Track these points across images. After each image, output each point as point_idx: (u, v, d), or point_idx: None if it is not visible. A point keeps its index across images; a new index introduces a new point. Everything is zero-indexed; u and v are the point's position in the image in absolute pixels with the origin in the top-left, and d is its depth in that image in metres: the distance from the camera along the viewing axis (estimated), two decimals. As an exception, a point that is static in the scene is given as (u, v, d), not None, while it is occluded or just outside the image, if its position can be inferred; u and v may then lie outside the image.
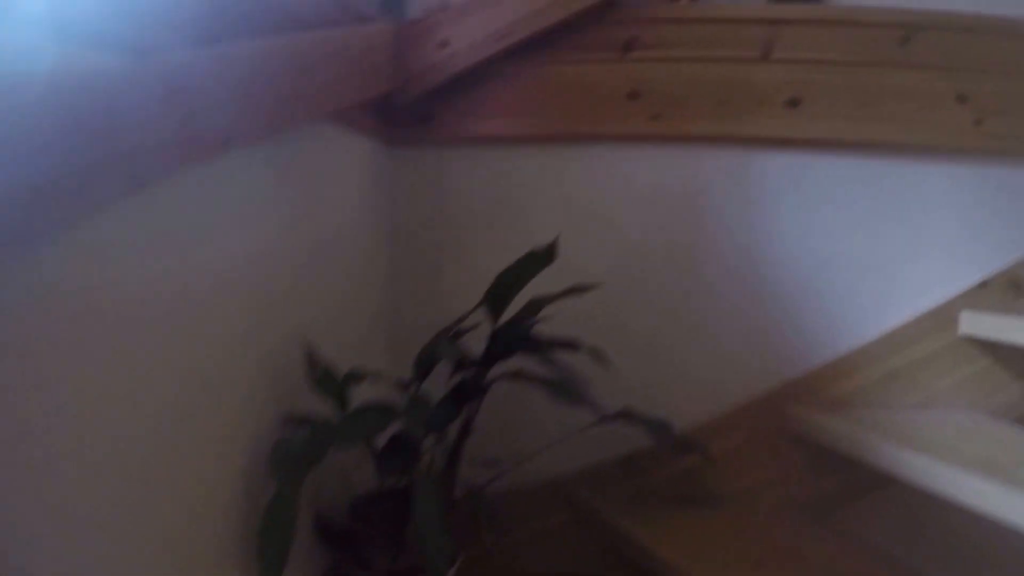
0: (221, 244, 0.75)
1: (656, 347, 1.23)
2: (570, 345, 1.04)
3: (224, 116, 0.73)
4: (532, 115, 1.21)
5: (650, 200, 1.22)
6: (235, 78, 0.75)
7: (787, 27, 1.24)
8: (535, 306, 1.03)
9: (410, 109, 1.23)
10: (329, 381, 0.92)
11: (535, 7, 1.20)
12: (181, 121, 0.66)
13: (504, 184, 1.23)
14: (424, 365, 1.01)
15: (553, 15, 1.20)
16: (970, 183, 1.29)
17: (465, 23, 1.20)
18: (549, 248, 0.99)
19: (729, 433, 1.23)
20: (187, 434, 0.70)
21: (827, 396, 1.25)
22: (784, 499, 1.24)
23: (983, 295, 1.28)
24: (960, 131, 1.27)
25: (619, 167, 1.22)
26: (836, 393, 1.25)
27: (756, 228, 1.24)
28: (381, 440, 0.93)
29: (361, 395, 0.95)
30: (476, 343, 1.04)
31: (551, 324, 1.08)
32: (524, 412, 1.21)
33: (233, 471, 0.78)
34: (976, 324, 1.25)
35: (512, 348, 1.02)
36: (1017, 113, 1.29)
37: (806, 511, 1.23)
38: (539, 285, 1.01)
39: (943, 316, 1.27)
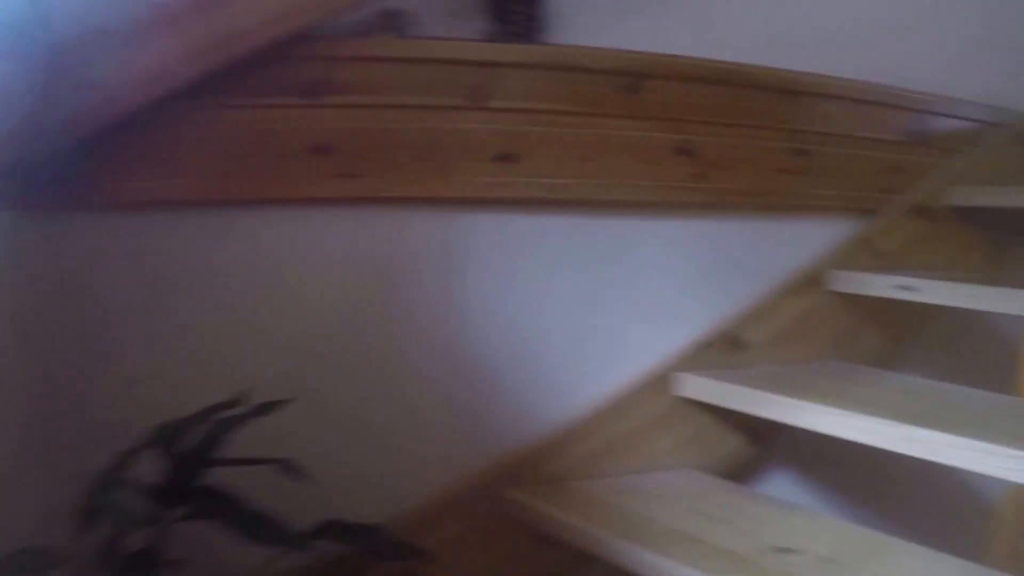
0: None
1: (364, 434, 1.11)
2: (261, 462, 0.92)
3: None
4: (202, 174, 1.03)
5: (343, 272, 1.08)
6: None
7: (504, 71, 1.11)
8: (218, 432, 0.90)
9: (55, 169, 1.00)
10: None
11: (202, 42, 1.00)
12: None
13: (174, 254, 1.03)
14: (88, 520, 0.85)
15: (225, 52, 1.00)
16: (692, 240, 1.25)
17: (120, 59, 0.99)
18: (227, 405, 0.89)
19: (446, 520, 1.13)
20: None
21: (547, 472, 1.18)
22: (504, 578, 1.18)
23: (703, 353, 1.26)
24: (683, 186, 1.22)
25: (307, 234, 1.07)
26: (556, 467, 1.19)
27: (462, 297, 1.13)
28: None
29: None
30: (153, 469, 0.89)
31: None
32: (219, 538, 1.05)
33: None
34: (692, 386, 1.23)
35: (193, 483, 0.89)
36: (740, 167, 1.25)
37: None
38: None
39: (663, 378, 1.23)
